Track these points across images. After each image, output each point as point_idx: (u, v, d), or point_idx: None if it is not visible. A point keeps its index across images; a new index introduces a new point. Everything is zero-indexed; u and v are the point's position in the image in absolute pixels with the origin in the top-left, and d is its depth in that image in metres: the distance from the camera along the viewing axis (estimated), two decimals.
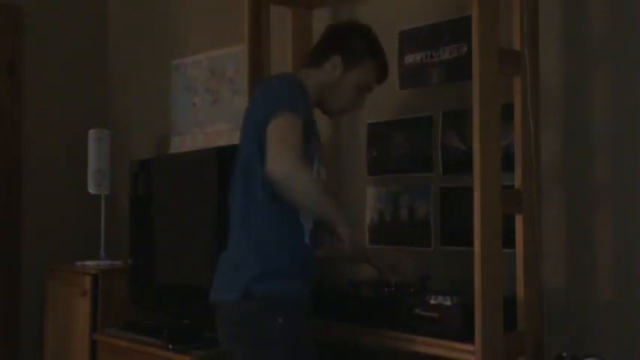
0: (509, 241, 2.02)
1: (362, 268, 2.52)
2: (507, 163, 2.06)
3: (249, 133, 1.92)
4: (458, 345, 1.92)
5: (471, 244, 1.90)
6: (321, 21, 2.68)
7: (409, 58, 2.63)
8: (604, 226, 2.14)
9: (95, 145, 3.61)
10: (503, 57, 2.00)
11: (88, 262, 3.46)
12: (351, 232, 1.91)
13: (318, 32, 2.29)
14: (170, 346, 2.70)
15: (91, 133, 3.63)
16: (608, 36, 2.15)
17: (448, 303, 2.03)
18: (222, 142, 3.18)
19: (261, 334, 1.87)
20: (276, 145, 1.76)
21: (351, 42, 2.10)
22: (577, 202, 2.19)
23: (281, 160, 1.74)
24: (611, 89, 2.14)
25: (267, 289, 1.88)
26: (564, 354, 1.95)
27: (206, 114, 3.53)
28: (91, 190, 3.61)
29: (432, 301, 2.05)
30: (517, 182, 2.07)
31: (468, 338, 1.88)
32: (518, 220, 2.06)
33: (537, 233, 2.08)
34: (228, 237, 2.01)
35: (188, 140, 3.61)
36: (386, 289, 2.25)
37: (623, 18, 2.12)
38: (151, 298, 3.20)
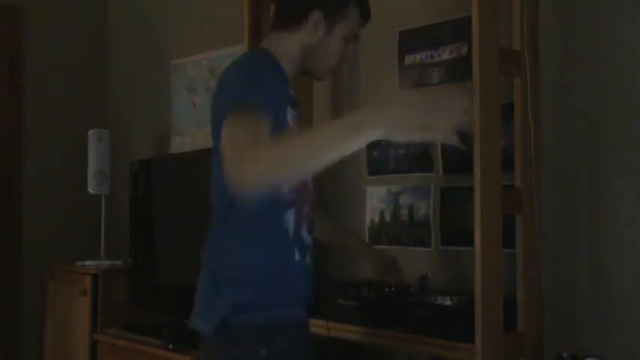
0: (509, 241, 2.02)
1: (362, 268, 2.53)
2: (507, 163, 2.06)
3: (217, 130, 1.62)
4: (458, 345, 1.92)
5: (471, 244, 1.90)
6: None
7: (409, 58, 2.63)
8: (604, 226, 2.13)
9: (95, 145, 3.61)
10: (504, 57, 2.00)
11: (88, 262, 3.46)
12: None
13: None
14: (170, 346, 2.70)
15: (91, 133, 3.63)
16: (608, 35, 2.15)
17: (448, 303, 2.03)
18: None
19: None
20: (233, 157, 1.41)
21: None
22: (577, 202, 2.19)
23: (245, 177, 1.37)
24: (612, 89, 2.13)
25: (247, 319, 1.60)
26: (564, 354, 1.95)
27: (206, 114, 3.51)
28: (91, 190, 3.61)
29: (432, 301, 2.05)
30: (517, 182, 2.07)
31: (468, 338, 1.88)
32: (518, 220, 2.06)
33: (537, 233, 2.08)
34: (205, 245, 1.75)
35: (188, 140, 3.61)
36: (386, 289, 2.25)
37: (623, 17, 2.12)
38: (151, 298, 3.20)
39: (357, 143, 1.32)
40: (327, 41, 1.74)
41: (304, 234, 1.71)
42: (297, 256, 1.67)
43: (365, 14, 1.80)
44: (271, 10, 2.61)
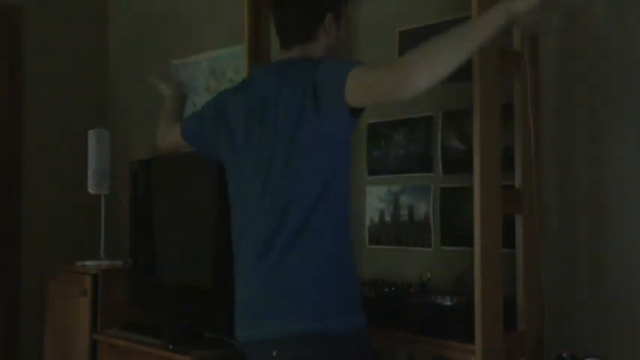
0: (509, 241, 2.02)
1: (362, 268, 2.52)
2: (507, 163, 2.06)
3: (304, 124, 1.71)
4: (458, 345, 1.92)
5: (471, 244, 1.90)
6: None
7: None
8: (604, 226, 2.14)
9: (95, 145, 3.61)
10: (504, 57, 2.00)
11: (88, 262, 3.46)
12: None
13: None
14: (170, 346, 2.70)
15: (91, 133, 3.63)
16: (608, 35, 2.15)
17: (448, 303, 2.03)
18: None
19: None
20: (392, 71, 1.57)
21: None
22: (577, 202, 2.19)
23: (414, 77, 1.53)
24: (611, 89, 2.13)
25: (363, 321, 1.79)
26: (564, 354, 1.95)
27: None
28: (91, 190, 3.60)
29: (432, 301, 2.05)
30: (517, 182, 2.07)
31: (468, 338, 1.88)
32: (518, 220, 2.06)
33: (537, 233, 2.08)
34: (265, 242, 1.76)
35: None
36: (386, 289, 2.25)
37: (623, 17, 2.12)
38: (151, 298, 3.20)
39: (491, 29, 1.54)
40: (338, 34, 1.90)
41: None
42: None
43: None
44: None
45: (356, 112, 1.70)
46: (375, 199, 2.71)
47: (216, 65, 3.47)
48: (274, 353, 1.69)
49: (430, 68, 1.54)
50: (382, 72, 1.61)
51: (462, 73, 2.35)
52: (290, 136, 1.73)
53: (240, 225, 1.86)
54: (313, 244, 1.71)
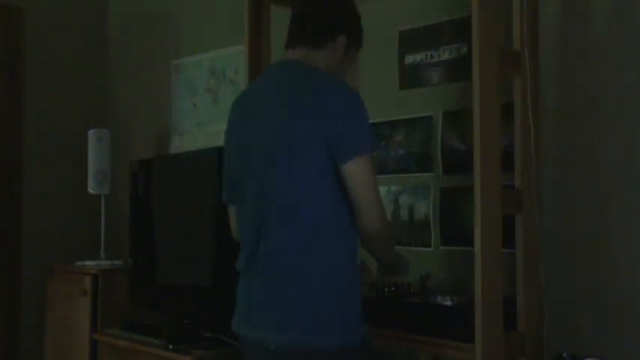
0: (509, 241, 2.02)
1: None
2: (507, 163, 2.06)
3: (309, 132, 1.70)
4: (458, 345, 1.92)
5: (471, 244, 1.90)
6: None
7: (409, 58, 2.63)
8: (604, 226, 2.14)
9: (95, 145, 3.61)
10: (504, 57, 2.00)
11: (88, 262, 3.46)
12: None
13: None
14: (170, 346, 2.70)
15: (91, 133, 3.63)
16: (608, 35, 2.15)
17: (448, 303, 2.03)
18: (222, 142, 3.18)
19: None
20: (369, 200, 1.71)
21: (354, 24, 1.96)
22: (577, 202, 2.19)
23: (378, 221, 1.74)
24: (611, 89, 2.13)
25: (364, 328, 1.77)
26: (564, 354, 1.95)
27: (206, 114, 3.53)
28: (91, 190, 3.61)
29: (432, 301, 2.05)
30: (517, 182, 2.07)
31: (468, 338, 1.88)
32: (518, 220, 2.06)
33: (537, 233, 2.08)
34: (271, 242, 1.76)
35: (188, 140, 3.61)
36: (386, 289, 2.25)
37: (623, 17, 2.12)
38: (151, 298, 3.20)
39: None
40: (343, 61, 1.91)
41: None
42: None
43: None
44: (271, 11, 2.61)
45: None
46: None
47: (216, 65, 3.47)
48: (272, 347, 1.71)
49: (386, 236, 1.83)
50: (375, 199, 1.74)
51: (462, 73, 2.37)
52: (284, 143, 1.72)
53: (242, 226, 1.87)
54: (306, 253, 1.72)
